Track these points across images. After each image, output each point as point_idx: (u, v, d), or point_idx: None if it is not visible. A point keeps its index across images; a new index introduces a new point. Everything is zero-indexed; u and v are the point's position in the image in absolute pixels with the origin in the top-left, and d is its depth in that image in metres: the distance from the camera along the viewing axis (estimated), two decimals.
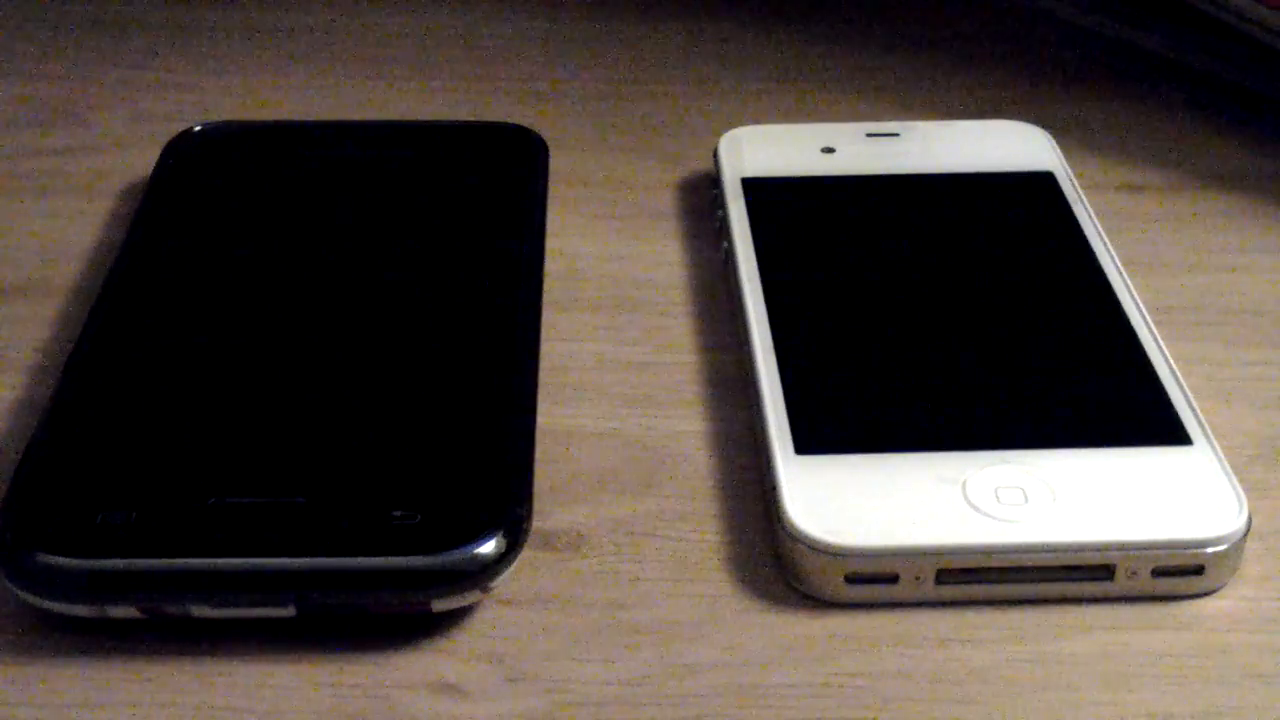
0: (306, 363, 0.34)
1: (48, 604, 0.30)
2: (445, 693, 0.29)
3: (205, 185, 0.40)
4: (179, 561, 0.29)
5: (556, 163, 0.43)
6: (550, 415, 0.35)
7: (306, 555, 0.29)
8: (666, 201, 0.43)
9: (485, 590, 0.30)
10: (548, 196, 0.41)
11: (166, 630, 0.30)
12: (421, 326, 0.35)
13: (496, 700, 0.29)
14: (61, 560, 0.29)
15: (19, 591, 0.30)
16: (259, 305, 0.36)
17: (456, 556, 0.29)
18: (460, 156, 0.42)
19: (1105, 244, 0.39)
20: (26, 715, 0.29)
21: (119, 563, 0.29)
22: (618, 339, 0.38)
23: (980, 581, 0.31)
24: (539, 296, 0.37)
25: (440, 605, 0.30)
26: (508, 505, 0.31)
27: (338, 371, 0.34)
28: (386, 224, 0.39)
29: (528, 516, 0.31)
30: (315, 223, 0.39)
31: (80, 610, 0.30)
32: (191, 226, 0.39)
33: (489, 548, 0.30)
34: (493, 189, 0.40)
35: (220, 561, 0.29)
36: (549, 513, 0.33)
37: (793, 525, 0.31)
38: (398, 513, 0.30)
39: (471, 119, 0.45)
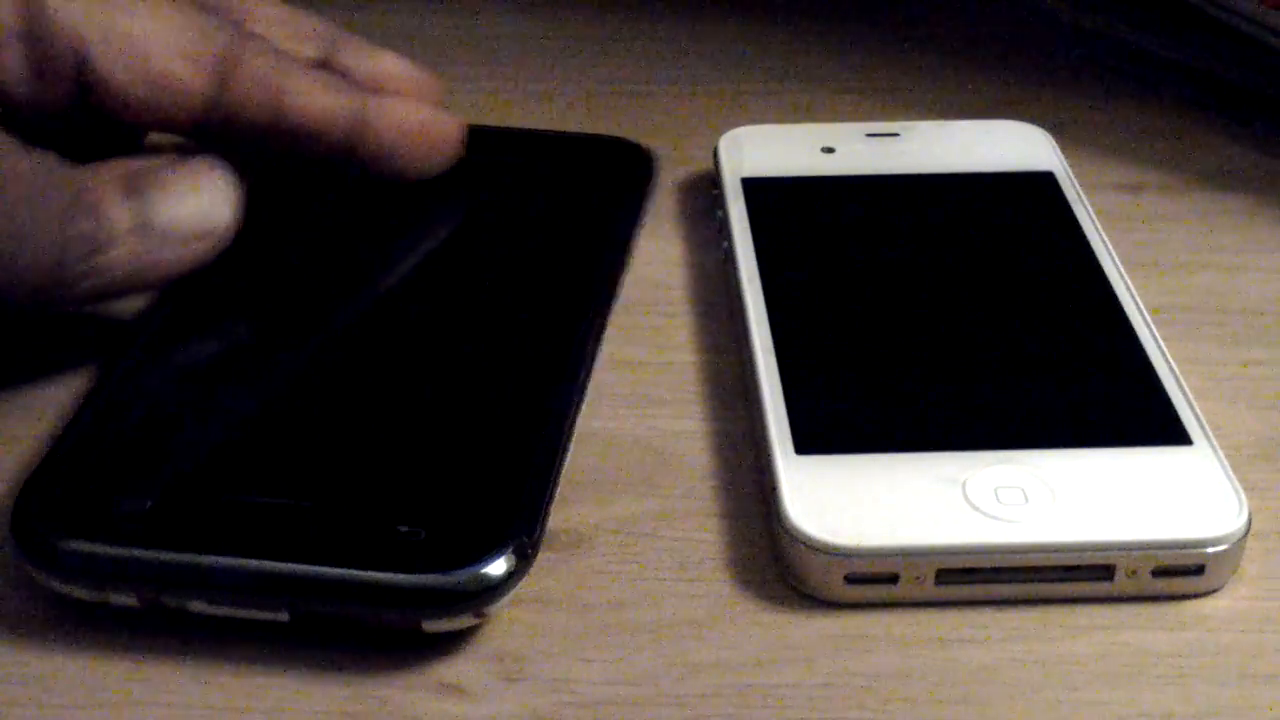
0: (337, 369, 0.34)
1: (54, 584, 0.30)
2: (445, 693, 0.29)
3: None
4: (179, 555, 0.29)
5: None
6: None
7: (303, 561, 0.29)
8: (666, 201, 0.43)
9: (480, 615, 0.29)
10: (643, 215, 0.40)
11: (165, 626, 0.30)
12: (456, 343, 0.35)
13: (497, 700, 0.29)
14: (71, 542, 0.29)
15: (29, 569, 0.30)
16: (292, 311, 0.36)
17: (449, 578, 0.29)
18: (567, 169, 0.41)
19: (1105, 244, 0.39)
20: (23, 715, 0.29)
21: (123, 550, 0.29)
22: (618, 339, 0.38)
23: (980, 581, 0.31)
24: (600, 326, 0.36)
25: (431, 627, 0.29)
26: (513, 532, 0.30)
27: (366, 380, 0.34)
28: (442, 233, 0.39)
29: (534, 546, 0.30)
30: (347, 229, 0.39)
31: (81, 593, 0.30)
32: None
33: (491, 569, 0.29)
34: (589, 205, 0.40)
35: (219, 560, 0.29)
36: (549, 512, 0.33)
37: (793, 525, 0.31)
38: (404, 527, 0.30)
39: (587, 131, 0.44)
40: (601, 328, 0.36)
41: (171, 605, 0.30)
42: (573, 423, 0.33)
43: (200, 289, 0.36)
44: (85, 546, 0.29)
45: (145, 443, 0.32)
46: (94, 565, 0.29)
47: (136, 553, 0.29)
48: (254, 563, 0.29)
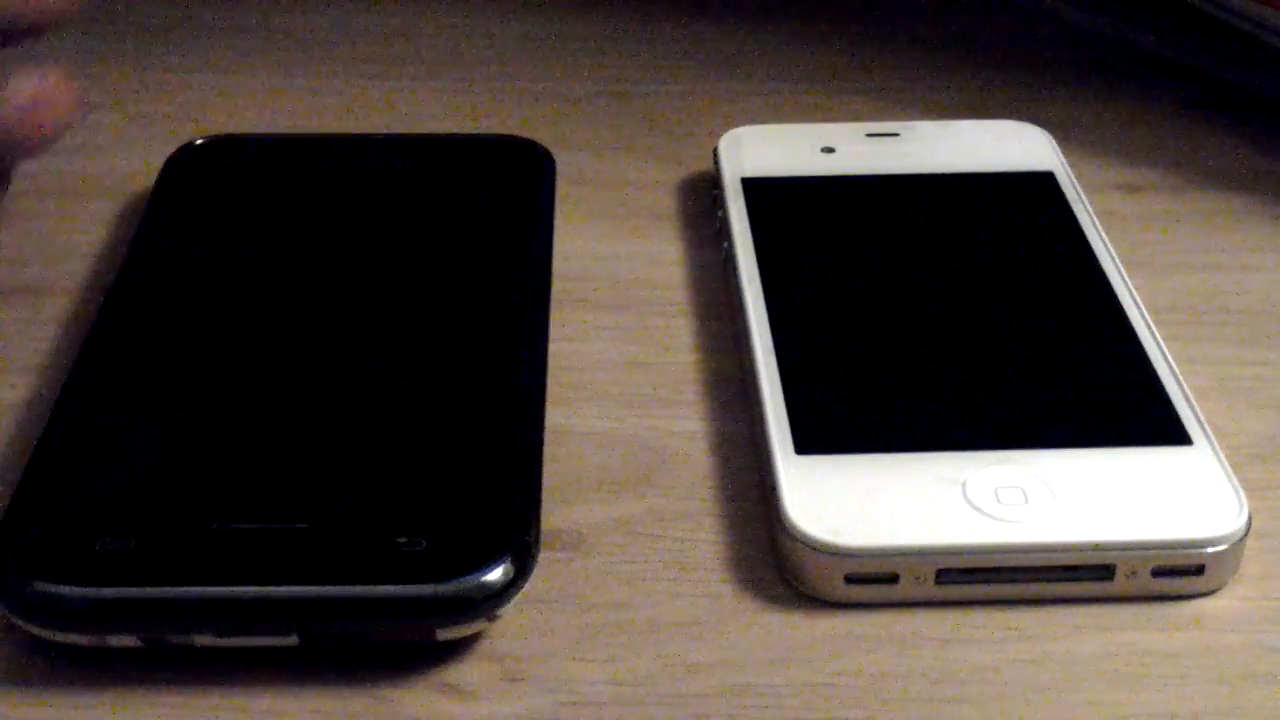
0: (311, 385, 0.34)
1: (46, 633, 0.29)
2: (446, 693, 0.29)
3: (206, 201, 0.40)
4: (179, 590, 0.29)
5: (557, 163, 0.42)
6: (551, 415, 0.35)
7: (310, 584, 0.29)
8: (666, 201, 0.43)
9: (491, 619, 0.29)
10: (554, 210, 0.40)
11: (163, 659, 0.30)
12: (427, 350, 0.35)
13: (497, 700, 0.29)
14: (60, 589, 0.29)
15: (17, 620, 0.29)
16: (262, 326, 0.36)
17: (463, 584, 0.29)
18: (467, 170, 0.41)
19: (1105, 244, 0.39)
20: None
21: (119, 591, 0.29)
22: (618, 339, 0.38)
23: (980, 581, 0.31)
24: (546, 321, 0.36)
25: (445, 635, 0.29)
26: (515, 531, 0.30)
27: (342, 394, 0.33)
28: (391, 241, 0.38)
29: (535, 543, 0.30)
30: (317, 240, 0.38)
31: (79, 639, 0.29)
32: (192, 244, 0.38)
33: (496, 574, 0.29)
34: (499, 205, 0.40)
35: (222, 590, 0.29)
36: (549, 513, 0.33)
37: (793, 525, 0.31)
38: (403, 539, 0.30)
39: (478, 132, 0.44)
40: (547, 323, 0.36)
41: (176, 642, 0.29)
42: (544, 419, 0.33)
43: (135, 310, 0.35)
44: (77, 592, 0.29)
45: (117, 477, 0.31)
46: (91, 611, 0.28)
47: (134, 592, 0.29)
48: (259, 590, 0.29)
